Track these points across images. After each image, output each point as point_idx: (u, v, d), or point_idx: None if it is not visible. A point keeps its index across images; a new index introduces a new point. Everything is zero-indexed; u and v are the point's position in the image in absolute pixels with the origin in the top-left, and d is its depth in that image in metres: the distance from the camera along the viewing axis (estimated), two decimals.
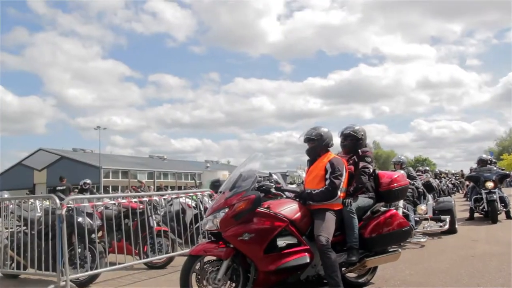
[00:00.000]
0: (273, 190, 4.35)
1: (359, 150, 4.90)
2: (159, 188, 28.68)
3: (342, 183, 4.33)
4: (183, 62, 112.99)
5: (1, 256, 5.90)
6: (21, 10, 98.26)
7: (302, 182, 4.67)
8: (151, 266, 6.44)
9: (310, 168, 4.65)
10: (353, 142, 5.00)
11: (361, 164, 4.76)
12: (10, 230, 5.79)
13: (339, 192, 4.32)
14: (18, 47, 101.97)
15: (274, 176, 8.14)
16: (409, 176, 8.34)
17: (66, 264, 4.77)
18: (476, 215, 10.94)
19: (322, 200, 4.26)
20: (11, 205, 6.22)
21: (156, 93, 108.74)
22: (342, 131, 5.11)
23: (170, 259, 6.52)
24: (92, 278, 5.46)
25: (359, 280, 4.78)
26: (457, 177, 28.11)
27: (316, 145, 4.59)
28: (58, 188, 12.83)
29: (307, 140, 4.65)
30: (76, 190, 14.15)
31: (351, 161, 4.86)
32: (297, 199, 4.43)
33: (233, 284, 4.07)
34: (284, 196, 4.57)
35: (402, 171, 7.39)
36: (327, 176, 4.32)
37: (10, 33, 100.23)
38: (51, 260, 5.00)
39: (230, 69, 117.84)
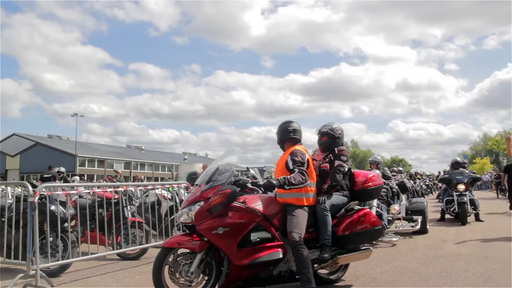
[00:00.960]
0: (249, 185, 4.37)
1: (335, 149, 4.96)
2: (135, 179, 28.39)
3: (306, 172, 4.34)
4: (164, 52, 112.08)
5: None
6: None
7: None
8: (124, 257, 6.40)
9: (277, 162, 4.75)
10: (330, 140, 5.04)
11: (337, 162, 4.81)
12: None
13: (308, 179, 4.35)
14: None
15: (252, 171, 8.17)
16: (384, 176, 8.49)
17: (36, 253, 4.69)
18: (447, 216, 11.23)
19: (297, 184, 4.25)
20: None
21: (136, 82, 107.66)
22: (320, 129, 5.15)
23: (144, 251, 6.48)
24: (63, 268, 5.39)
25: (331, 277, 4.85)
26: (431, 179, 28.72)
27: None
28: (45, 175, 12.61)
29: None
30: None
31: (327, 159, 4.92)
32: (270, 188, 4.45)
33: (206, 278, 4.09)
34: (260, 192, 4.59)
35: (377, 171, 7.52)
36: (291, 167, 4.36)
37: None
38: (21, 249, 4.91)
39: (211, 62, 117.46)
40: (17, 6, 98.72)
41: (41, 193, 5.06)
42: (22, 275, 4.66)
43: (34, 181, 10.25)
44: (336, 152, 4.92)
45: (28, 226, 4.75)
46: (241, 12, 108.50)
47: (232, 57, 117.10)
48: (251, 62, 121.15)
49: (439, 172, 30.18)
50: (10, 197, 5.83)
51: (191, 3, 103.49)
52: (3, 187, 6.69)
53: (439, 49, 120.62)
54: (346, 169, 4.82)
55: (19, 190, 6.10)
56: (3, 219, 5.33)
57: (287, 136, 4.64)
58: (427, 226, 8.93)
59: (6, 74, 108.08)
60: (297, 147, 4.55)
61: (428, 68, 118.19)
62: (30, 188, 4.85)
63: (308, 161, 4.44)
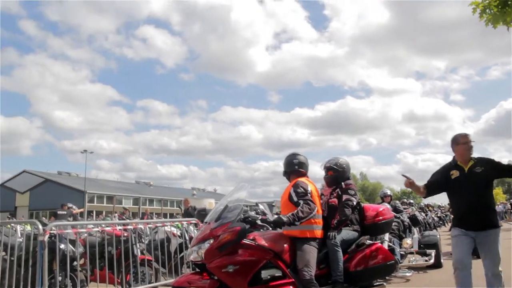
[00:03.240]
0: (258, 222, 4.33)
1: (342, 183, 4.94)
2: (144, 214, 28.30)
3: (311, 200, 4.30)
4: (171, 89, 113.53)
5: None
6: (12, 30, 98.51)
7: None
8: None
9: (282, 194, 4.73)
10: (335, 175, 5.03)
11: (344, 196, 4.78)
12: None
13: (315, 208, 4.30)
14: (7, 68, 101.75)
15: (261, 206, 8.11)
16: (396, 210, 8.40)
17: None
18: None
19: (306, 216, 4.21)
20: None
21: (144, 119, 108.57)
22: (324, 164, 5.16)
23: None
24: None
25: None
26: (443, 211, 28.28)
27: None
28: (59, 212, 12.65)
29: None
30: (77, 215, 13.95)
31: (334, 194, 4.89)
32: (280, 225, 4.41)
33: None
34: (270, 228, 4.55)
35: (387, 205, 7.44)
36: (295, 199, 4.34)
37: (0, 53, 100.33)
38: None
39: (218, 97, 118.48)
40: (29, 47, 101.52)
41: (51, 231, 5.07)
42: None
43: (44, 218, 10.26)
44: (343, 186, 4.89)
45: (37, 265, 4.74)
46: (246, 49, 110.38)
47: (238, 93, 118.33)
48: (257, 97, 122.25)
49: (448, 204, 29.79)
50: (20, 235, 5.82)
51: (197, 41, 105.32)
52: (13, 225, 6.70)
53: (443, 80, 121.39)
54: (355, 203, 4.78)
55: (28, 228, 6.12)
56: (12, 258, 5.31)
57: (292, 168, 4.64)
58: (441, 260, 8.71)
59: (18, 112, 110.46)
60: (299, 179, 4.54)
61: (434, 99, 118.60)
62: (40, 226, 4.86)
63: (311, 192, 4.41)
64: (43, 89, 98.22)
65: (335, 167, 5.05)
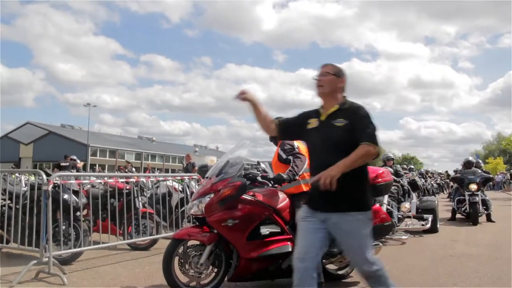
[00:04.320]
0: (259, 179, 4.38)
1: None
2: (146, 169, 28.58)
3: (300, 153, 4.37)
4: (176, 44, 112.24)
5: None
6: None
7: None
8: (134, 247, 6.47)
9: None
10: None
11: None
12: None
13: (306, 159, 4.24)
14: (9, 17, 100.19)
15: (262, 165, 8.20)
16: (397, 174, 8.47)
17: (49, 241, 4.76)
18: (458, 216, 11.14)
19: (302, 168, 4.30)
20: None
21: (147, 74, 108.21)
22: None
23: (154, 241, 6.55)
24: (75, 256, 5.47)
25: (339, 272, 4.86)
26: (442, 177, 28.50)
27: None
28: (62, 164, 12.79)
29: None
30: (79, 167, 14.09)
31: None
32: (280, 182, 4.48)
33: (215, 269, 4.12)
34: (270, 185, 4.61)
35: (389, 168, 7.49)
36: (284, 157, 4.44)
37: (1, 2, 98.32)
38: (35, 236, 4.99)
39: (222, 54, 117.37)
40: None
41: (55, 182, 5.13)
42: (35, 261, 4.73)
43: (48, 169, 10.39)
44: None
45: (41, 214, 4.83)
46: (253, 6, 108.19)
47: (243, 50, 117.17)
48: (262, 56, 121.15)
49: (447, 172, 30.00)
50: (24, 185, 5.91)
51: None
52: (17, 174, 6.80)
53: (452, 46, 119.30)
54: None
55: (32, 178, 6.20)
56: (17, 206, 5.42)
57: None
58: (438, 225, 8.87)
59: (21, 63, 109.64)
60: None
61: (442, 65, 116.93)
62: (44, 176, 4.92)
63: (298, 147, 4.45)
64: (46, 40, 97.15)
65: None
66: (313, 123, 3.01)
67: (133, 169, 15.68)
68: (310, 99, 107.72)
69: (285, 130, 3.19)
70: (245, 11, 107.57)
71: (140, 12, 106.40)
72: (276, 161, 4.57)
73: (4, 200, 5.79)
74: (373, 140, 2.74)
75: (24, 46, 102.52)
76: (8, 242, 5.54)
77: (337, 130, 2.85)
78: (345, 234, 2.83)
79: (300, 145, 4.50)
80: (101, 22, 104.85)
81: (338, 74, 2.99)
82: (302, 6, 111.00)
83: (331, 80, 2.96)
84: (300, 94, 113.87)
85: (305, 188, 4.34)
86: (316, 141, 2.96)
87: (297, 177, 4.29)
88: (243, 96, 3.14)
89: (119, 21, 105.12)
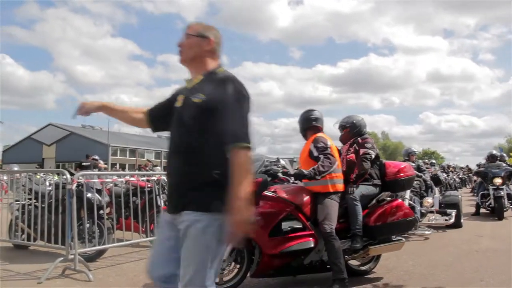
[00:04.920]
0: (280, 175, 4.37)
1: (359, 138, 4.94)
2: (165, 168, 28.80)
3: (331, 154, 4.31)
4: None
5: (12, 227, 6.04)
6: None
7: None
8: None
9: (300, 152, 4.74)
10: (351, 131, 5.05)
11: (362, 150, 4.79)
12: (22, 202, 5.89)
13: (335, 162, 4.31)
14: (29, 22, 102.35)
15: (282, 162, 8.17)
16: (419, 169, 8.35)
17: (75, 238, 4.86)
18: (482, 210, 10.94)
19: (327, 170, 4.22)
20: (21, 178, 6.32)
21: (164, 73, 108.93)
22: (339, 122, 5.21)
23: None
24: (100, 253, 5.56)
25: (362, 268, 4.83)
26: (464, 172, 28.00)
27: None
28: (84, 163, 13.03)
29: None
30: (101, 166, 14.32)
31: (351, 150, 4.89)
32: (302, 179, 4.46)
33: (238, 266, 4.14)
34: (291, 181, 4.60)
35: (412, 163, 7.39)
36: (315, 154, 4.35)
37: (21, 7, 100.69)
38: (60, 234, 5.09)
39: (238, 52, 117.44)
40: (50, 0, 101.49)
41: (78, 181, 5.22)
42: (61, 258, 4.83)
43: (71, 169, 10.59)
44: (360, 141, 4.91)
45: (66, 213, 4.93)
46: (268, 3, 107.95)
47: (259, 48, 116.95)
48: (279, 53, 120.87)
49: (467, 166, 29.44)
50: (49, 185, 6.03)
51: None
52: (42, 174, 6.94)
53: (472, 38, 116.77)
54: (373, 156, 4.77)
55: (56, 178, 6.32)
56: (43, 205, 5.53)
57: (310, 124, 4.63)
58: (461, 220, 8.73)
59: (42, 66, 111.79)
60: (318, 134, 4.53)
61: (461, 58, 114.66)
62: (68, 176, 5.01)
63: (330, 146, 4.40)
64: (65, 43, 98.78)
65: (349, 124, 5.05)
66: (179, 100, 2.28)
67: (158, 167, 15.81)
68: (328, 95, 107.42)
69: (156, 119, 2.51)
70: (260, 8, 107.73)
71: (156, 13, 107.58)
72: (306, 156, 4.48)
73: (30, 199, 5.92)
74: (243, 138, 2.05)
75: (44, 50, 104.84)
76: (35, 240, 5.67)
77: (190, 108, 2.15)
78: (182, 242, 2.06)
79: (332, 146, 4.47)
80: (118, 24, 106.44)
81: (203, 34, 2.30)
82: (317, 2, 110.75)
83: (193, 42, 2.29)
84: (317, 90, 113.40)
85: (331, 189, 4.31)
86: (172, 123, 2.27)
87: (318, 177, 4.23)
88: (84, 110, 2.54)
89: (136, 23, 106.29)
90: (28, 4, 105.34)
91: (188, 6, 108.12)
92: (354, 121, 5.09)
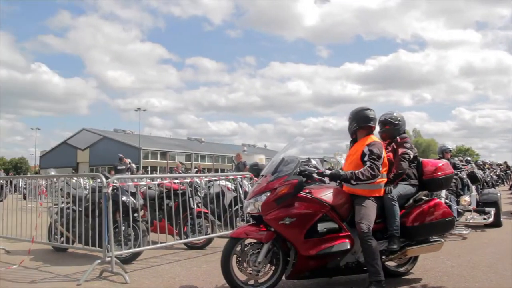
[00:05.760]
0: (315, 175, 4.32)
1: (398, 137, 4.83)
2: (197, 170, 29.11)
3: (380, 166, 4.22)
4: (219, 46, 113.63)
5: (51, 230, 6.21)
6: None
7: (341, 169, 4.64)
8: (190, 246, 6.59)
9: (350, 151, 4.61)
10: (391, 129, 4.94)
11: (400, 150, 4.69)
12: (60, 206, 6.04)
13: (379, 175, 4.22)
14: (62, 30, 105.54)
15: (313, 162, 8.09)
16: (455, 167, 8.10)
17: (111, 241, 4.95)
18: None
19: (365, 180, 4.14)
20: (58, 183, 6.49)
21: (193, 76, 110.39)
22: (380, 118, 5.03)
23: (209, 240, 6.65)
24: (135, 256, 5.64)
25: (399, 269, 4.73)
26: (502, 169, 27.07)
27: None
28: (119, 167, 13.34)
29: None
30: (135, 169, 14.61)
31: (389, 148, 4.80)
32: (338, 181, 4.39)
33: (273, 267, 4.12)
34: (326, 182, 4.54)
35: (445, 160, 7.19)
36: (365, 159, 4.23)
37: (55, 16, 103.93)
38: (97, 237, 5.20)
39: (266, 53, 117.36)
40: (81, 8, 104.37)
41: (114, 184, 5.32)
42: (99, 261, 4.94)
43: (106, 173, 10.83)
44: (399, 140, 4.80)
45: (103, 216, 5.03)
46: (294, 2, 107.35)
47: (286, 48, 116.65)
48: (306, 52, 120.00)
49: (506, 162, 28.41)
50: (86, 188, 6.17)
51: None
52: (75, 178, 7.11)
53: (507, 29, 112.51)
54: (412, 156, 4.67)
55: (91, 182, 6.46)
56: (80, 209, 5.66)
57: (367, 123, 4.44)
58: (501, 219, 8.43)
59: (75, 73, 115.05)
60: (376, 139, 4.42)
61: (496, 50, 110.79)
62: (104, 180, 5.11)
63: (384, 157, 4.32)
64: (96, 49, 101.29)
65: (391, 120, 4.95)
66: None
67: (193, 170, 16.02)
68: (357, 93, 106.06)
69: None
70: (286, 8, 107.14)
71: (183, 17, 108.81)
72: (357, 158, 4.32)
73: (68, 203, 6.07)
74: None
75: (77, 57, 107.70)
76: (73, 242, 5.81)
77: None
78: None
79: (385, 156, 4.37)
80: (147, 28, 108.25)
81: None
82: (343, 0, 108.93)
83: None
84: (346, 89, 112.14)
85: (372, 194, 4.24)
86: None
87: (353, 182, 4.16)
88: None
89: (164, 26, 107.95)
90: (61, 13, 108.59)
91: (214, 8, 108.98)
92: (395, 118, 4.99)
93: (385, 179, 4.36)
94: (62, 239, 5.98)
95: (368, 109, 4.52)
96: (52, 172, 11.98)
